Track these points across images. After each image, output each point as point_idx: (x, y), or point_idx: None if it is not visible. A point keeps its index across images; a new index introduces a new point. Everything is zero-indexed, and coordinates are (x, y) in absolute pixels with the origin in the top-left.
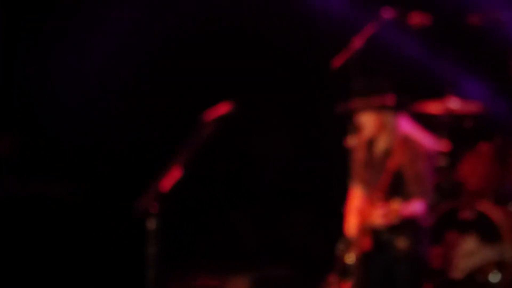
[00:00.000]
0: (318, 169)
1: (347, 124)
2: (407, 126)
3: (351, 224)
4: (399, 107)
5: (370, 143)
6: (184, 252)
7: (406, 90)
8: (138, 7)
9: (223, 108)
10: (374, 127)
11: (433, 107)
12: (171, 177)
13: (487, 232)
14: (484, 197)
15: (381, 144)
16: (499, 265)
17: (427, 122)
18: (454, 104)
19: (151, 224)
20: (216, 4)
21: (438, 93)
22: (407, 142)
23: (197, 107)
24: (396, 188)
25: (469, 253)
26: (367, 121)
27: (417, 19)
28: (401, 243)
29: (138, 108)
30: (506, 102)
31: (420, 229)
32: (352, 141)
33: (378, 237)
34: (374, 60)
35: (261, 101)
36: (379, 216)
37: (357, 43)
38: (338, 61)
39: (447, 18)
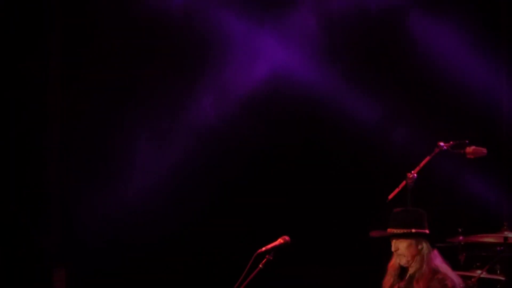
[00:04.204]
0: None
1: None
2: (439, 260)
3: None
4: (434, 241)
5: (402, 269)
6: None
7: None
8: None
9: (279, 240)
10: (410, 256)
11: (490, 238)
12: None
13: None
14: None
15: (411, 270)
16: None
17: (483, 252)
18: (511, 235)
19: None
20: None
21: (495, 225)
22: (435, 273)
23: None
24: None
25: None
26: (404, 249)
27: (473, 150)
28: None
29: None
30: None
31: None
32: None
33: None
34: (429, 191)
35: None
36: None
37: (413, 174)
38: (393, 194)
39: (502, 149)
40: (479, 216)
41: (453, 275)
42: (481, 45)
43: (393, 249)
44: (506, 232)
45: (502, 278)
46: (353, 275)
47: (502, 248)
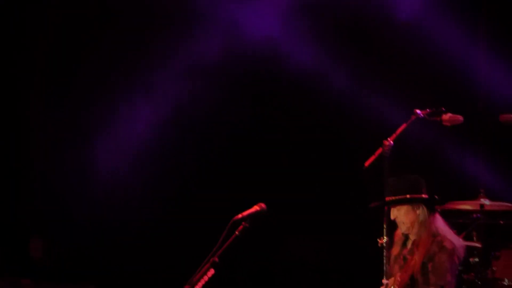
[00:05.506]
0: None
1: (380, 222)
2: (439, 224)
3: None
4: (432, 204)
5: (405, 238)
6: None
7: (438, 188)
8: None
9: (255, 208)
10: (408, 222)
11: (467, 206)
12: (205, 275)
13: None
14: None
15: (412, 237)
16: None
17: (460, 219)
18: (487, 202)
19: None
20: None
21: (471, 192)
22: (434, 236)
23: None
24: (422, 280)
25: None
26: (402, 215)
27: (449, 117)
28: None
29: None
30: None
31: None
32: (384, 239)
33: None
34: (405, 158)
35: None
36: None
37: (389, 141)
38: (369, 161)
39: (480, 117)
40: (456, 183)
41: (452, 237)
42: (459, 15)
43: (392, 217)
44: (482, 199)
45: (479, 245)
46: (332, 244)
47: (478, 215)
